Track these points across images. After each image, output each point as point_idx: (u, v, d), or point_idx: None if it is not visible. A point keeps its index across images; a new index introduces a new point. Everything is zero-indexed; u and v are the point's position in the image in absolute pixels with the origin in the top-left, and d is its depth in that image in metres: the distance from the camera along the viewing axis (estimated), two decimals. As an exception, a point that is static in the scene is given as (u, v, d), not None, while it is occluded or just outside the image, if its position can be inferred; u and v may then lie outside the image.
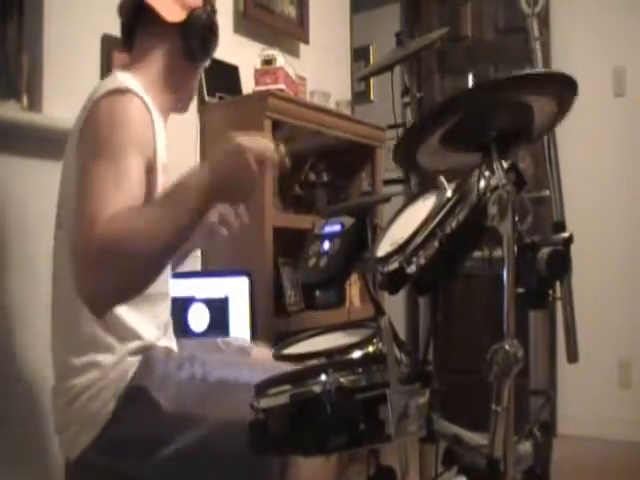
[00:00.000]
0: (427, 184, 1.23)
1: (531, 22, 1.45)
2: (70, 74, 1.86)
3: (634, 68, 3.37)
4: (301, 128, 2.36)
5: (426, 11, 3.94)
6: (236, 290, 1.99)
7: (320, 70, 2.97)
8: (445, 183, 1.11)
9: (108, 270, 1.03)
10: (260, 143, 1.10)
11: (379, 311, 1.22)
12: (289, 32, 2.81)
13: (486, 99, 0.98)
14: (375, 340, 1.08)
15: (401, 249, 1.11)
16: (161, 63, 1.36)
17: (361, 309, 2.57)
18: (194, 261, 2.22)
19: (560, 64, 3.28)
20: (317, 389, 0.93)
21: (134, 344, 1.25)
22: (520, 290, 1.08)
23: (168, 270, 1.36)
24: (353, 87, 3.27)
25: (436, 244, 1.09)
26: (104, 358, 1.22)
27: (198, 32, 1.35)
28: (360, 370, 0.96)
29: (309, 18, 2.89)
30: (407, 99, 1.85)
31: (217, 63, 2.39)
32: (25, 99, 1.77)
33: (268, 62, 2.38)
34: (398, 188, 3.16)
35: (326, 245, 1.31)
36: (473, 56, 3.69)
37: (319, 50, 3.00)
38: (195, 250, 1.62)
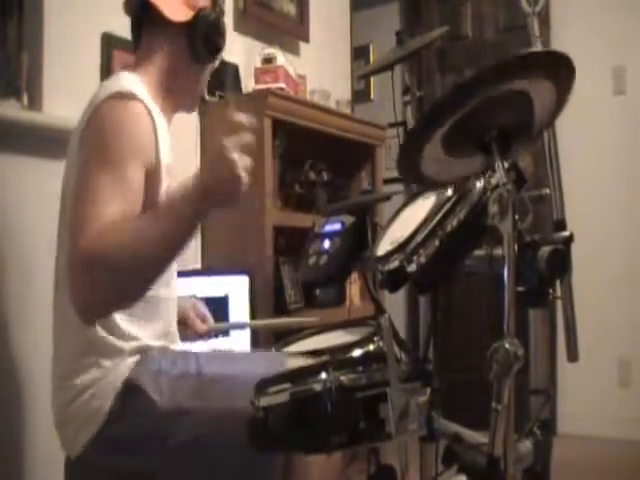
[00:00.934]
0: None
1: (531, 21, 1.45)
2: (70, 73, 1.85)
3: (634, 67, 3.37)
4: (301, 127, 2.36)
5: (426, 10, 3.94)
6: (236, 289, 1.99)
7: (320, 69, 2.97)
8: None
9: (95, 281, 1.04)
10: (235, 136, 1.04)
11: (379, 310, 1.22)
12: (289, 31, 2.81)
13: (486, 86, 0.98)
14: (375, 339, 1.08)
15: (401, 248, 1.11)
16: (166, 63, 1.35)
17: (361, 308, 2.57)
18: (194, 259, 2.23)
19: (560, 63, 3.28)
20: (317, 387, 0.93)
21: (136, 346, 1.26)
22: (520, 289, 1.08)
23: (170, 275, 1.35)
24: (353, 86, 3.27)
25: (436, 243, 1.09)
26: (105, 360, 1.22)
27: (204, 32, 1.34)
28: (360, 368, 0.96)
29: (309, 16, 2.89)
30: (407, 98, 1.86)
31: (217, 62, 2.39)
32: (25, 98, 1.77)
33: (268, 61, 2.38)
34: (398, 187, 3.15)
35: (326, 244, 1.31)
36: (473, 55, 3.69)
37: (319, 49, 2.99)
38: None
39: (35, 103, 1.79)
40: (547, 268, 1.10)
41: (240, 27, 2.57)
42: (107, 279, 1.04)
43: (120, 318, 1.23)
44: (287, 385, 0.96)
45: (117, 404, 1.21)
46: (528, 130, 1.08)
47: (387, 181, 2.88)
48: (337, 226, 1.33)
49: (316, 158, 2.64)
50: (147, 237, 1.05)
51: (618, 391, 3.32)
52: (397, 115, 1.72)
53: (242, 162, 1.03)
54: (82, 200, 1.12)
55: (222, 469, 1.21)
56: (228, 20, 2.50)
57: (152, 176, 1.22)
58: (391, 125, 1.84)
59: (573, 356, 1.43)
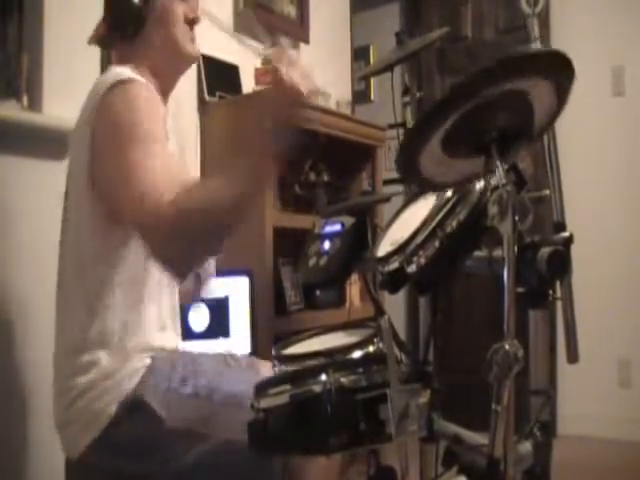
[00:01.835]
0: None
1: (531, 22, 1.45)
2: (70, 74, 1.85)
3: (633, 68, 3.37)
4: (301, 128, 2.36)
5: (426, 11, 3.94)
6: (236, 290, 1.99)
7: (320, 70, 2.96)
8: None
9: (182, 240, 1.08)
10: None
11: (379, 311, 1.22)
12: (289, 32, 2.81)
13: (485, 87, 0.98)
14: (375, 340, 1.08)
15: (401, 249, 1.11)
16: (145, 46, 1.36)
17: (361, 309, 2.57)
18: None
19: (560, 64, 3.28)
20: (317, 389, 0.93)
21: (136, 344, 1.25)
22: (520, 290, 1.08)
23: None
24: (353, 87, 3.27)
25: (436, 244, 1.09)
26: (106, 358, 1.22)
27: (121, 6, 1.37)
28: (360, 370, 0.96)
29: (309, 18, 2.89)
30: (407, 99, 1.86)
31: (217, 62, 2.39)
32: (25, 99, 1.77)
33: (268, 61, 2.38)
34: (398, 188, 3.16)
35: (326, 245, 1.31)
36: (473, 56, 3.69)
37: (319, 50, 2.99)
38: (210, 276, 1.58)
39: (35, 104, 1.79)
40: (547, 269, 1.10)
41: (240, 28, 2.57)
42: (195, 232, 1.09)
43: (119, 314, 1.24)
44: (287, 387, 0.96)
45: (122, 412, 1.21)
46: (528, 131, 1.08)
47: (387, 182, 2.88)
48: (337, 227, 1.33)
49: (316, 159, 2.64)
50: (222, 190, 1.11)
51: (618, 391, 3.31)
52: (397, 116, 1.72)
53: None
54: (136, 173, 1.13)
55: None
56: (228, 21, 2.51)
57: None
58: (391, 126, 1.84)
59: (573, 357, 1.43)
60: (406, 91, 1.89)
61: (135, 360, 1.24)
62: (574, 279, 1.36)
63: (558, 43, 3.39)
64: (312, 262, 1.32)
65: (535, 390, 1.27)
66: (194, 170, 2.30)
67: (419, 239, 1.10)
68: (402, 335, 1.11)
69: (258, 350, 1.94)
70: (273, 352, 1.27)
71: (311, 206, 2.56)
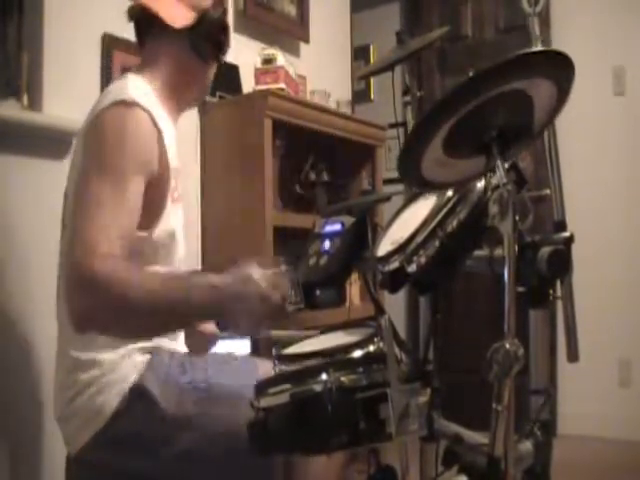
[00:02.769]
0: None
1: (532, 22, 1.45)
2: (70, 74, 1.85)
3: (634, 67, 3.37)
4: (301, 127, 2.36)
5: (426, 10, 3.94)
6: (236, 289, 1.98)
7: (320, 69, 2.97)
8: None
9: (96, 303, 1.05)
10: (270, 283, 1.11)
11: (379, 310, 1.22)
12: (289, 31, 2.81)
13: (486, 86, 0.98)
14: (375, 339, 1.08)
15: (402, 248, 1.11)
16: (171, 65, 1.35)
17: (361, 308, 2.57)
18: (195, 260, 2.22)
19: (560, 63, 3.28)
20: (318, 388, 0.93)
21: (137, 342, 1.26)
22: (520, 289, 1.08)
23: (177, 258, 1.36)
24: (353, 86, 3.27)
25: (437, 243, 1.09)
26: (107, 355, 1.23)
27: (208, 34, 1.35)
28: (361, 369, 0.96)
29: (309, 17, 2.89)
30: (407, 98, 1.85)
31: (217, 62, 2.39)
32: (25, 98, 1.77)
33: (268, 61, 2.38)
34: (398, 187, 3.16)
35: (326, 244, 1.31)
36: (473, 55, 3.69)
37: (319, 49, 2.99)
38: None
39: (35, 103, 1.79)
40: (547, 268, 1.10)
41: (240, 28, 2.57)
42: (110, 306, 1.06)
43: None
44: (287, 386, 0.96)
45: (123, 405, 1.21)
46: (528, 130, 1.08)
47: (387, 181, 2.88)
48: (337, 227, 1.33)
49: (316, 159, 2.64)
50: (158, 296, 1.08)
51: (618, 391, 3.32)
52: (397, 115, 1.72)
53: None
54: (86, 212, 1.12)
55: (223, 475, 1.23)
56: (228, 21, 2.51)
57: (157, 184, 1.23)
58: (391, 126, 1.84)
59: (573, 356, 1.42)
60: (406, 91, 1.88)
61: (135, 356, 1.25)
62: (574, 278, 1.36)
63: (559, 43, 3.39)
64: (312, 261, 1.31)
65: (535, 389, 1.27)
66: (194, 170, 2.30)
67: (419, 239, 1.09)
68: (402, 334, 1.11)
69: (258, 350, 1.94)
70: (273, 352, 1.27)
71: (311, 206, 2.56)
